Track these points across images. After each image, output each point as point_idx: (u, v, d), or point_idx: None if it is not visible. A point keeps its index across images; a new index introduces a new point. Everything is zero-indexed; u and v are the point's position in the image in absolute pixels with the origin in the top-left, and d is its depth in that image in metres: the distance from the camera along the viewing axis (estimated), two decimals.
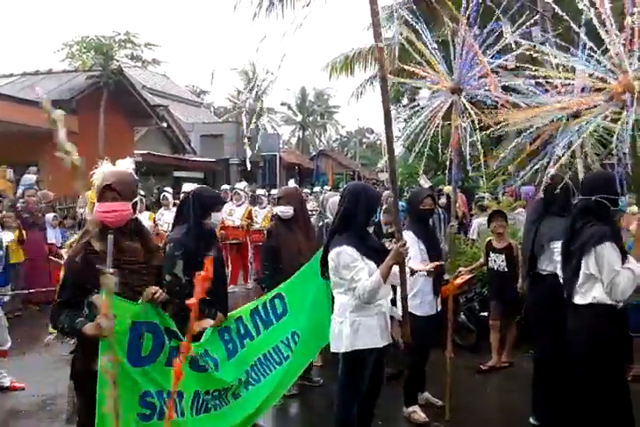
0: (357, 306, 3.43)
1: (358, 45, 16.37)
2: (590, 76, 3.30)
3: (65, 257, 4.17)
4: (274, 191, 13.61)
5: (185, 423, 3.00)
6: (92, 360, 2.63)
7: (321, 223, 5.87)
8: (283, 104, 57.73)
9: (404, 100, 26.50)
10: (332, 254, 3.47)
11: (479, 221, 8.73)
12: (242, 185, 10.88)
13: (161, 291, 2.85)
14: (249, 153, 7.95)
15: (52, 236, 9.14)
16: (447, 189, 10.73)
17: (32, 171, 11.24)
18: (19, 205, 9.18)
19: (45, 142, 14.27)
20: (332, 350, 3.61)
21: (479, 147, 4.54)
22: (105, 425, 2.56)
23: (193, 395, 3.06)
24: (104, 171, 4.22)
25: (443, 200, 9.08)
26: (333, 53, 15.93)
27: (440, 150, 14.66)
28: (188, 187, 7.93)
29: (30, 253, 8.59)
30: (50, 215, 9.29)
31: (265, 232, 5.15)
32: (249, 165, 8.51)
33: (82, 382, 2.78)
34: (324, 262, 3.61)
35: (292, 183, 13.97)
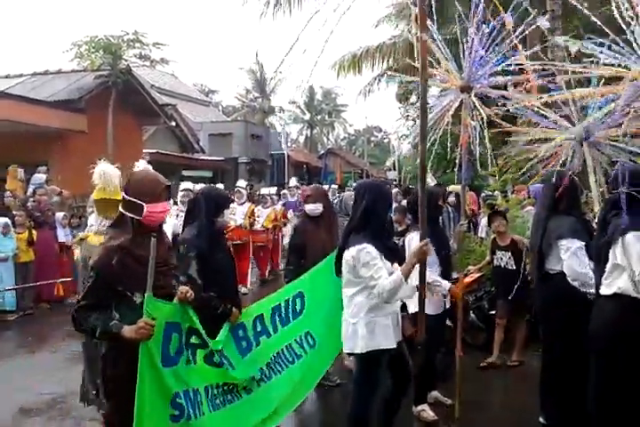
0: (373, 306, 3.41)
1: (366, 43, 16.36)
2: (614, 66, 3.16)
3: (76, 254, 4.16)
4: (273, 190, 13.42)
5: (205, 422, 2.98)
6: (127, 363, 2.63)
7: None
8: (291, 102, 57.77)
9: (413, 98, 26.54)
10: (351, 252, 3.42)
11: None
12: (243, 183, 10.71)
13: (191, 291, 2.88)
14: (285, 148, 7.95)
15: (62, 235, 9.19)
16: (453, 187, 10.70)
17: (42, 170, 11.30)
18: (29, 204, 9.24)
19: (55, 142, 14.41)
20: (346, 350, 3.61)
21: (488, 145, 4.51)
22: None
23: (204, 390, 3.04)
24: (103, 170, 4.25)
25: (452, 199, 9.02)
26: (341, 52, 15.90)
27: (449, 149, 14.56)
28: (186, 185, 7.82)
29: (40, 251, 8.65)
30: (60, 214, 9.34)
31: (293, 229, 5.15)
32: (286, 160, 8.56)
33: (114, 385, 2.74)
34: (339, 260, 3.58)
35: (293, 182, 13.87)
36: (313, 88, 56.53)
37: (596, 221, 3.77)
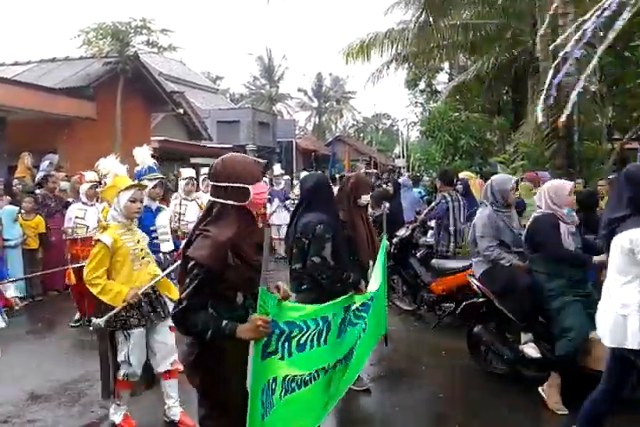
0: None
1: (375, 30, 16.23)
2: None
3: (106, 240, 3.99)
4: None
5: (277, 410, 2.68)
6: (225, 365, 2.50)
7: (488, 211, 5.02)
8: (299, 90, 57.61)
9: (422, 85, 26.34)
10: (629, 235, 3.18)
11: None
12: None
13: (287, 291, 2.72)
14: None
15: None
16: (464, 174, 10.63)
17: (50, 157, 11.31)
18: (38, 191, 9.24)
19: (63, 129, 14.37)
20: (611, 344, 3.30)
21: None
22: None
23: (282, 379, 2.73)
24: (108, 168, 4.18)
25: (459, 186, 8.93)
26: (350, 38, 15.81)
27: (457, 136, 14.45)
28: (189, 173, 7.64)
29: (53, 239, 8.64)
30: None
31: (343, 222, 4.88)
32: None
33: (213, 386, 2.55)
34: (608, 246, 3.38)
35: (277, 170, 13.15)
36: (321, 75, 56.31)
37: None
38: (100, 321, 3.74)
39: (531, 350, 4.59)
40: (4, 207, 8.26)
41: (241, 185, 2.50)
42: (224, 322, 2.38)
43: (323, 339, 2.98)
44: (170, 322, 4.17)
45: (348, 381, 3.61)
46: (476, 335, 5.08)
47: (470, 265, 6.24)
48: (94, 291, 3.87)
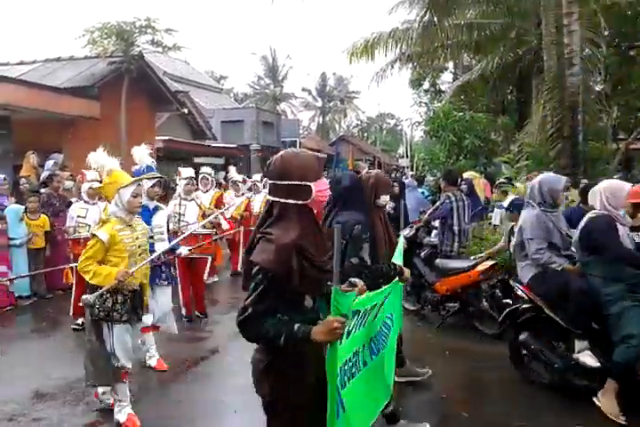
0: None
1: (379, 29, 16.24)
2: None
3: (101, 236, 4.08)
4: (256, 176, 11.50)
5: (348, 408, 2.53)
6: (304, 367, 2.38)
7: (536, 211, 4.77)
8: (303, 90, 57.68)
9: (426, 84, 26.34)
10: None
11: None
12: (209, 170, 9.51)
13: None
14: None
15: None
16: (469, 174, 10.64)
17: (55, 156, 11.35)
18: (43, 191, 9.26)
19: (68, 129, 14.35)
20: None
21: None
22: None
23: (339, 370, 2.59)
24: (102, 163, 4.28)
25: (463, 186, 8.94)
26: (354, 38, 15.79)
27: (461, 136, 14.45)
28: (189, 173, 7.58)
29: (58, 239, 8.66)
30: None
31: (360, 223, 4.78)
32: None
33: (287, 393, 2.40)
34: None
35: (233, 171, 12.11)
36: (326, 74, 56.34)
37: None
38: (91, 297, 3.90)
39: (588, 359, 4.35)
40: (9, 206, 8.29)
41: (302, 183, 2.35)
42: (296, 326, 2.26)
43: (364, 321, 2.92)
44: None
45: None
46: (523, 343, 4.82)
47: (474, 265, 6.30)
48: (87, 277, 4.02)
